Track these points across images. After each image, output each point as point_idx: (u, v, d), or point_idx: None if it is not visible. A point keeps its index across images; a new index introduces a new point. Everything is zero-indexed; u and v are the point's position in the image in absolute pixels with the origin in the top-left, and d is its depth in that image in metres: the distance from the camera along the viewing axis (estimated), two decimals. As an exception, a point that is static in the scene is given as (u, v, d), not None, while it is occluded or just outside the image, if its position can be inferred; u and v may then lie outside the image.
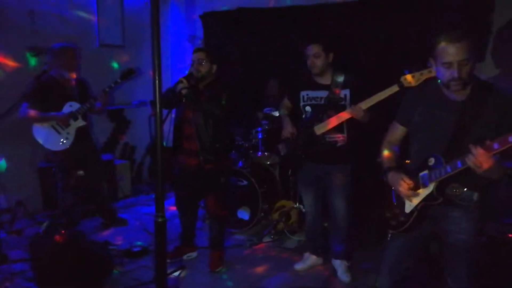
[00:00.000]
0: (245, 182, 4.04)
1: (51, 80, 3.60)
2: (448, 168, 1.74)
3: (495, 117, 1.73)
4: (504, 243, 2.58)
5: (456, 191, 1.84)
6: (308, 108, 3.00)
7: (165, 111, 2.71)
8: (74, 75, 3.65)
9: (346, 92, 2.87)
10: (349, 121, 2.81)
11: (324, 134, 2.87)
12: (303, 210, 3.97)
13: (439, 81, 1.87)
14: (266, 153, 4.33)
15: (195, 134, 3.05)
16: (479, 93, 1.79)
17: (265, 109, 4.86)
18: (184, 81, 2.89)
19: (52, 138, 3.57)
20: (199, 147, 3.04)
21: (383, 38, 4.05)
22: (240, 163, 4.28)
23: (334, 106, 2.85)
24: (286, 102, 3.19)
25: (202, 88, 3.08)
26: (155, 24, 1.88)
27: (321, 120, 2.85)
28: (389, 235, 2.08)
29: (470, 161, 1.61)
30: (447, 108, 1.85)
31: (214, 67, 3.09)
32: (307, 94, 2.99)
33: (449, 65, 1.73)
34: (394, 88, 2.45)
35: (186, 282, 3.01)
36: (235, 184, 4.06)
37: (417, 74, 2.31)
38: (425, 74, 2.29)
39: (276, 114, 4.74)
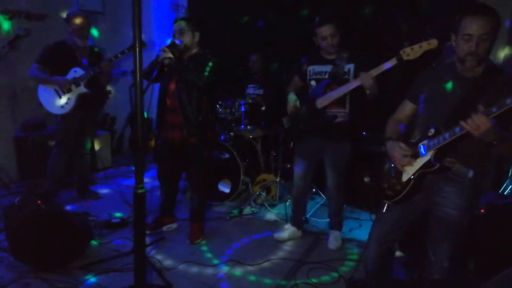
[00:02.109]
0: (227, 155, 4.03)
1: (63, 46, 3.62)
2: (447, 135, 1.78)
3: (500, 97, 1.72)
4: (477, 218, 2.65)
5: (451, 166, 1.88)
6: (313, 83, 3.00)
7: (145, 82, 2.64)
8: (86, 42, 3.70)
9: (350, 66, 2.88)
10: (352, 96, 2.82)
11: (325, 107, 2.88)
12: (285, 184, 4.02)
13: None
14: (248, 127, 4.31)
15: (178, 106, 2.98)
16: (490, 73, 1.82)
17: (249, 85, 4.81)
18: (167, 49, 2.80)
19: (53, 101, 3.62)
20: (182, 120, 2.99)
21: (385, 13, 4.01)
22: (223, 136, 4.25)
23: (337, 80, 2.85)
24: (296, 80, 3.17)
25: (186, 60, 3.01)
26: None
27: (323, 94, 2.86)
28: (385, 206, 2.12)
29: (468, 124, 1.64)
30: (456, 84, 1.87)
31: (197, 35, 3.01)
32: (313, 69, 3.01)
33: (469, 37, 1.75)
34: (393, 61, 2.45)
35: (166, 253, 3.02)
36: (217, 157, 4.04)
37: (415, 46, 2.30)
38: (424, 47, 2.29)
39: (260, 92, 4.71)
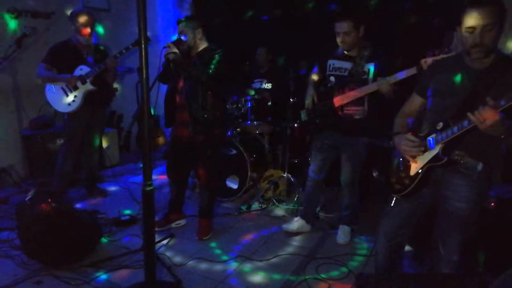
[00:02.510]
0: (234, 151, 4.03)
1: (68, 44, 3.65)
2: (455, 129, 1.76)
3: (509, 89, 1.68)
4: (487, 212, 2.62)
5: (460, 159, 1.86)
6: (332, 78, 2.99)
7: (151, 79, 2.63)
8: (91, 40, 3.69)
9: (371, 66, 2.84)
10: (371, 94, 2.82)
11: (342, 105, 2.89)
12: (292, 179, 4.01)
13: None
14: (255, 122, 4.29)
15: (186, 104, 2.99)
16: (499, 64, 1.78)
17: (254, 80, 4.79)
18: (171, 45, 2.80)
19: (60, 100, 3.64)
20: (189, 118, 2.99)
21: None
22: (229, 132, 4.25)
23: (356, 79, 2.84)
24: (313, 75, 3.14)
25: (195, 57, 3.01)
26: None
27: (341, 92, 2.86)
28: (393, 200, 2.11)
29: (475, 117, 1.61)
30: (465, 76, 1.84)
31: (199, 31, 2.99)
32: (333, 64, 2.99)
33: (472, 29, 1.72)
34: (412, 71, 2.46)
35: (175, 250, 3.03)
36: (224, 153, 4.04)
37: (437, 59, 2.26)
38: None
39: (267, 86, 4.69)
